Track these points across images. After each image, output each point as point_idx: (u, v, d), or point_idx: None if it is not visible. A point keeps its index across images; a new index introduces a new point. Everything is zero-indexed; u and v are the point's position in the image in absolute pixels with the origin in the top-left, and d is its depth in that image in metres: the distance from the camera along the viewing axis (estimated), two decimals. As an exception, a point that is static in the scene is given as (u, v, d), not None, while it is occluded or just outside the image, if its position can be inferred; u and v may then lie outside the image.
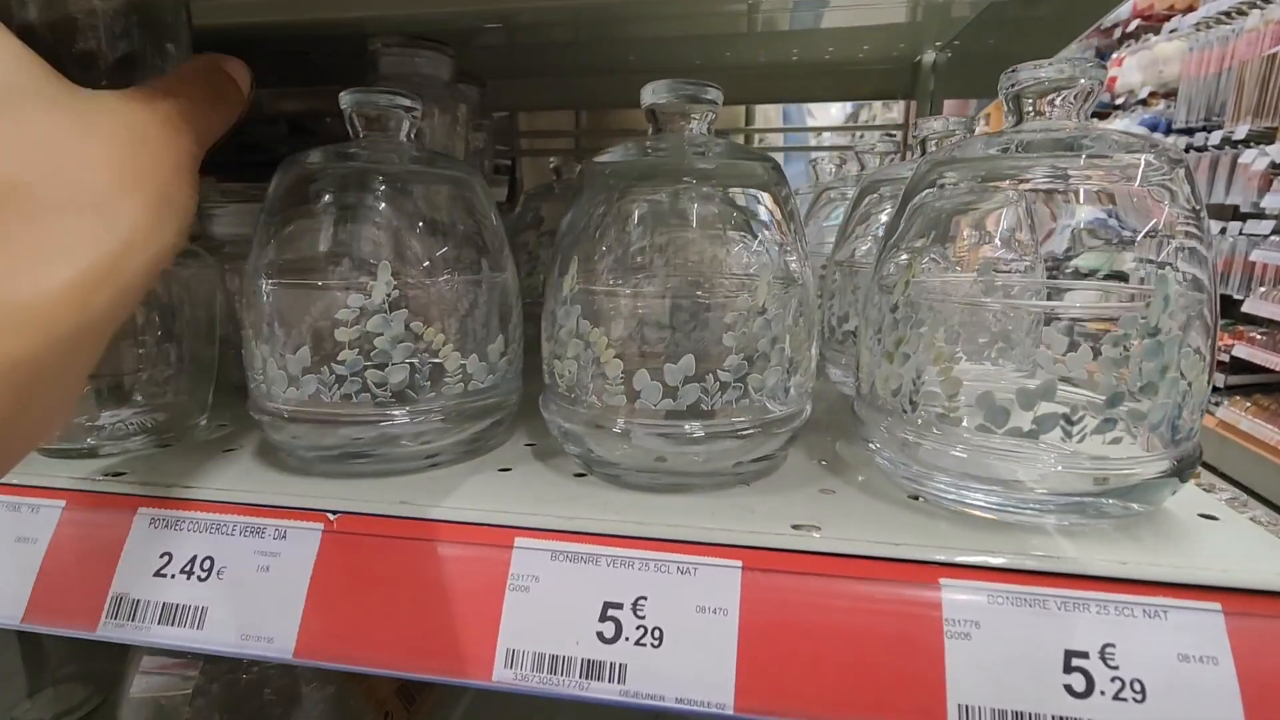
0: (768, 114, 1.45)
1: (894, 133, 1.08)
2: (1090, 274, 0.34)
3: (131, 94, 0.25)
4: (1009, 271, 0.38)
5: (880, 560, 0.30)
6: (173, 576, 0.34)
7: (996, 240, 0.38)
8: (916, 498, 0.35)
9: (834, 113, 2.54)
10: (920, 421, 0.33)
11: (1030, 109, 0.33)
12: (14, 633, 0.56)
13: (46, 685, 0.58)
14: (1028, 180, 0.33)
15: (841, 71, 0.95)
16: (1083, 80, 0.31)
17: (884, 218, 0.58)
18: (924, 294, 0.34)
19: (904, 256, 0.35)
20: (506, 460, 0.41)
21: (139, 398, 0.43)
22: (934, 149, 0.51)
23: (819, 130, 1.88)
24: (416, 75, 0.75)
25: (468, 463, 0.40)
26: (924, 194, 0.36)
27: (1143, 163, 0.30)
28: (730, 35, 0.92)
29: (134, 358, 0.43)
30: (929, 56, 0.89)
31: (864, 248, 0.58)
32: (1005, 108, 0.33)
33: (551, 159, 0.86)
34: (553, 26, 0.92)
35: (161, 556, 0.35)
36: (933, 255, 0.35)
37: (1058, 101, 0.33)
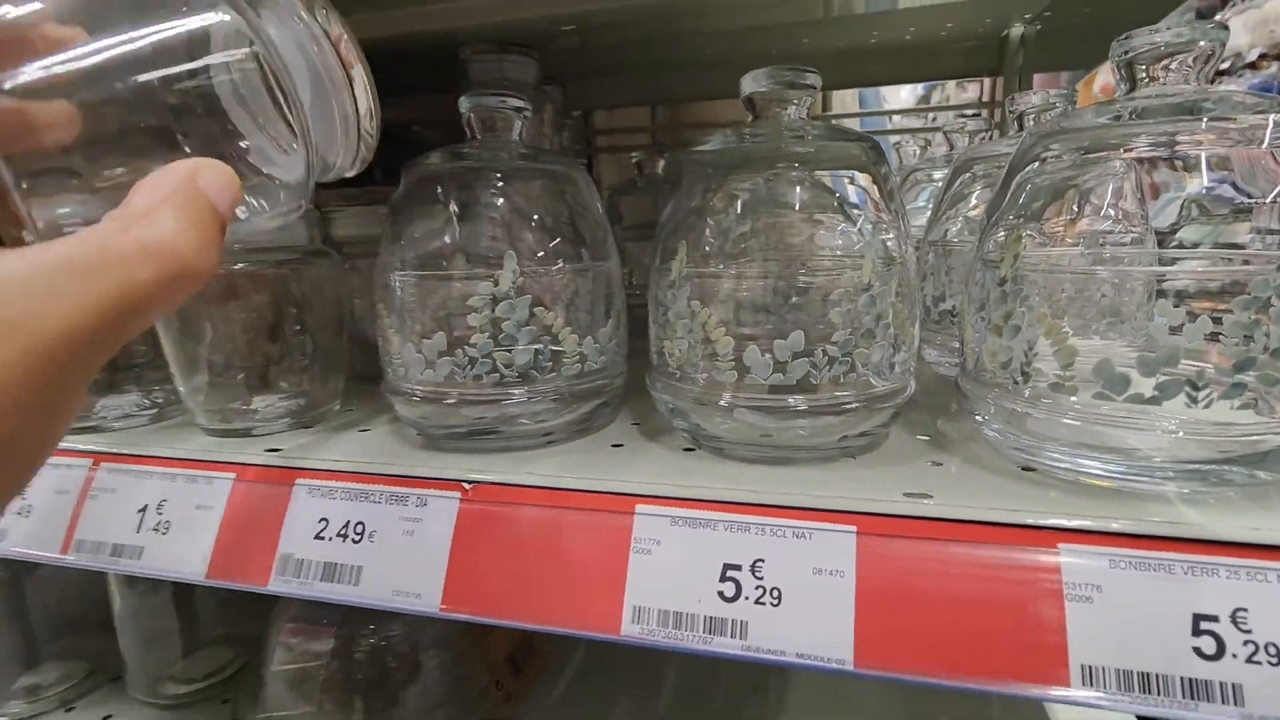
0: (844, 99, 1.43)
1: (977, 111, 1.05)
2: (1194, 246, 0.34)
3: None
4: (1119, 244, 0.38)
5: (996, 525, 0.31)
6: (330, 539, 0.38)
7: (1106, 211, 0.37)
8: (1029, 469, 0.35)
9: (904, 95, 2.46)
10: (1030, 393, 0.34)
11: (1144, 75, 0.32)
12: (171, 600, 0.62)
13: (198, 647, 0.64)
14: (1139, 148, 0.33)
15: (923, 51, 0.93)
16: (1203, 43, 0.31)
17: (975, 197, 0.57)
18: (1031, 267, 0.34)
19: (1009, 232, 0.35)
20: (616, 438, 0.43)
21: (283, 384, 0.48)
22: (1032, 123, 0.51)
23: (894, 114, 1.84)
24: (504, 79, 0.79)
25: (580, 440, 0.43)
26: (1030, 167, 0.36)
27: (1270, 123, 0.29)
28: (806, 22, 0.92)
29: (276, 350, 0.48)
30: (1017, 30, 0.86)
31: (956, 228, 0.57)
32: (1117, 75, 0.33)
33: (634, 154, 0.89)
34: (626, 25, 0.94)
35: (320, 521, 0.39)
36: (1040, 229, 0.35)
37: (1173, 66, 0.32)
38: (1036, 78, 0.89)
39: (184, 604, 0.62)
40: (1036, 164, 0.36)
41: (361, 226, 0.58)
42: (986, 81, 1.11)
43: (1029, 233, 0.35)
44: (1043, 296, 0.33)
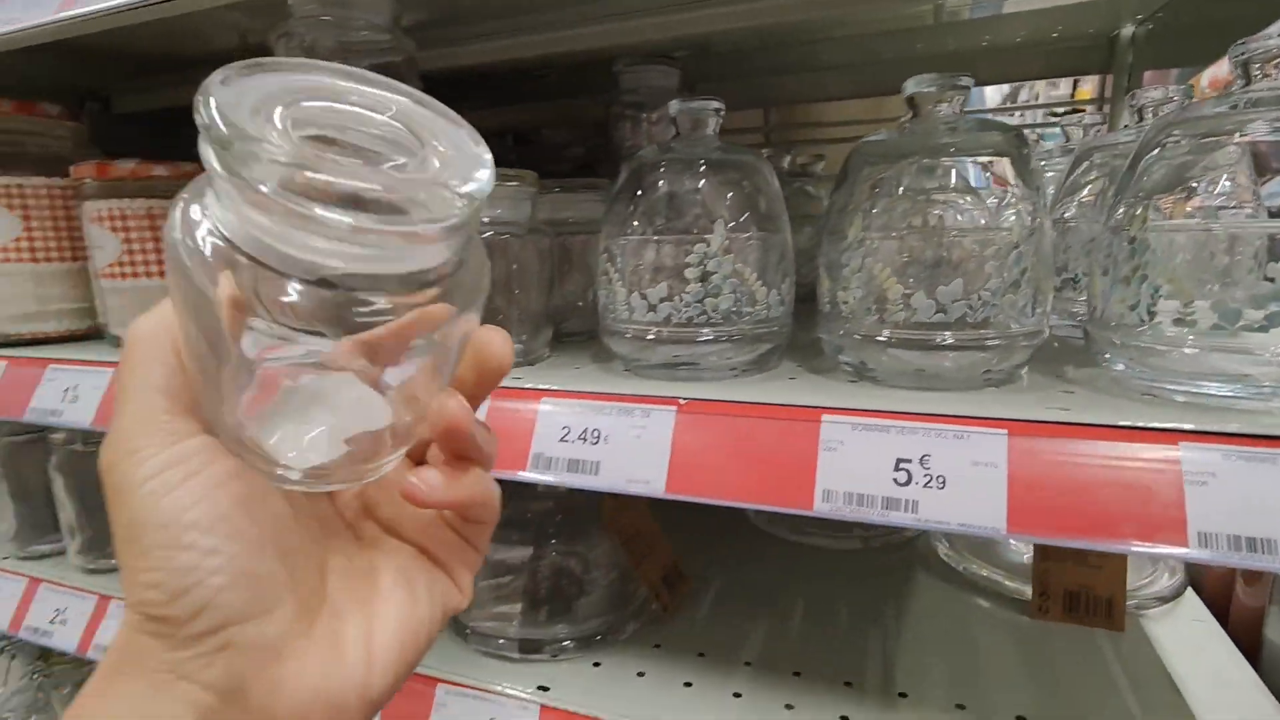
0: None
1: (1081, 109, 1.09)
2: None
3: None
4: (1234, 214, 0.45)
5: (1126, 428, 0.39)
6: (572, 442, 0.50)
7: (1221, 188, 0.45)
8: (1151, 394, 0.43)
9: (988, 93, 2.47)
10: (1152, 332, 0.41)
11: (1259, 72, 0.40)
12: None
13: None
14: (1254, 134, 0.40)
15: (1032, 52, 0.99)
16: (1309, 45, 0.38)
17: (1090, 186, 0.65)
18: (1156, 229, 0.42)
19: (1136, 203, 0.43)
20: (789, 374, 0.53)
21: (510, 334, 0.60)
22: (1151, 116, 0.58)
23: (991, 111, 1.86)
24: (649, 87, 0.91)
25: (758, 375, 0.53)
26: (1154, 152, 0.44)
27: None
28: (917, 29, 0.99)
29: (504, 305, 0.60)
30: (1127, 30, 0.91)
31: (1072, 211, 0.65)
32: (1235, 72, 0.40)
33: (764, 151, 0.98)
34: (744, 36, 1.03)
35: (562, 429, 0.50)
36: (1162, 202, 0.43)
37: (1285, 64, 0.39)
38: (1146, 74, 0.94)
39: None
40: (1159, 149, 0.44)
41: (556, 210, 0.70)
42: (1091, 81, 1.16)
43: (1154, 204, 0.42)
44: (1165, 252, 0.41)
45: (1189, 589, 0.73)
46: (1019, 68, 1.04)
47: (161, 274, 0.73)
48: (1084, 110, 0.79)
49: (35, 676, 0.97)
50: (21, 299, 0.76)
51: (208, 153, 0.18)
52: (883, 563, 0.82)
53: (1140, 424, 0.39)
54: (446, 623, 0.29)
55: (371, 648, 0.25)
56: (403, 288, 0.20)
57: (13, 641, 1.00)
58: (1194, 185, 0.43)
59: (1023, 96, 2.56)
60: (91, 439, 0.83)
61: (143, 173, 0.69)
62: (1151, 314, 0.41)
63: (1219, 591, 0.79)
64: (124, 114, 1.08)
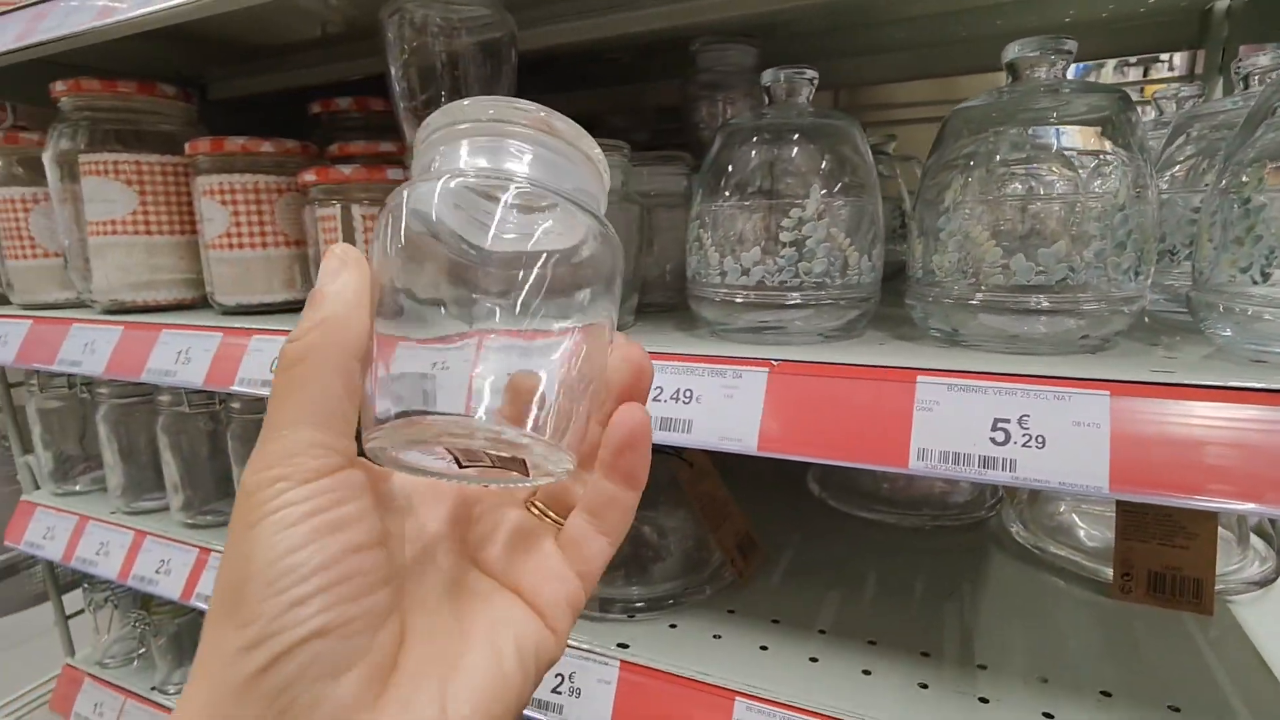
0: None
1: (1176, 84, 1.05)
2: None
3: None
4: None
5: (1234, 389, 0.38)
6: (665, 401, 0.52)
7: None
8: (1259, 361, 0.42)
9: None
10: (1263, 294, 0.41)
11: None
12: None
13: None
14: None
15: (1119, 27, 0.96)
16: None
17: (1182, 160, 0.63)
18: (1273, 191, 0.41)
19: (1252, 164, 0.42)
20: (877, 340, 0.54)
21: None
22: (1257, 83, 0.56)
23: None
24: (727, 65, 0.91)
25: (845, 341, 0.54)
26: (1274, 115, 0.43)
27: None
28: (998, 5, 0.98)
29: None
30: (1222, 3, 0.88)
31: (1166, 184, 0.63)
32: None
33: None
34: (814, 15, 1.03)
35: (655, 388, 0.52)
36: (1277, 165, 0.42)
37: None
38: (1243, 49, 0.90)
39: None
40: (1277, 113, 0.43)
41: (644, 183, 0.71)
42: (1181, 56, 1.11)
43: (1270, 166, 0.42)
44: (1282, 213, 0.40)
45: (1282, 575, 0.70)
46: (1106, 44, 1.01)
47: (265, 244, 0.78)
48: (1178, 84, 0.77)
49: (136, 625, 1.04)
50: (136, 268, 0.82)
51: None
52: (954, 541, 0.82)
53: (1248, 386, 0.38)
54: (540, 681, 0.26)
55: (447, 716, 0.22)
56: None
57: (116, 591, 1.08)
58: (1313, 147, 0.42)
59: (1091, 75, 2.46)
60: (196, 401, 0.89)
61: (252, 148, 0.73)
62: (1265, 275, 0.40)
63: (1315, 579, 0.76)
64: (218, 99, 1.14)
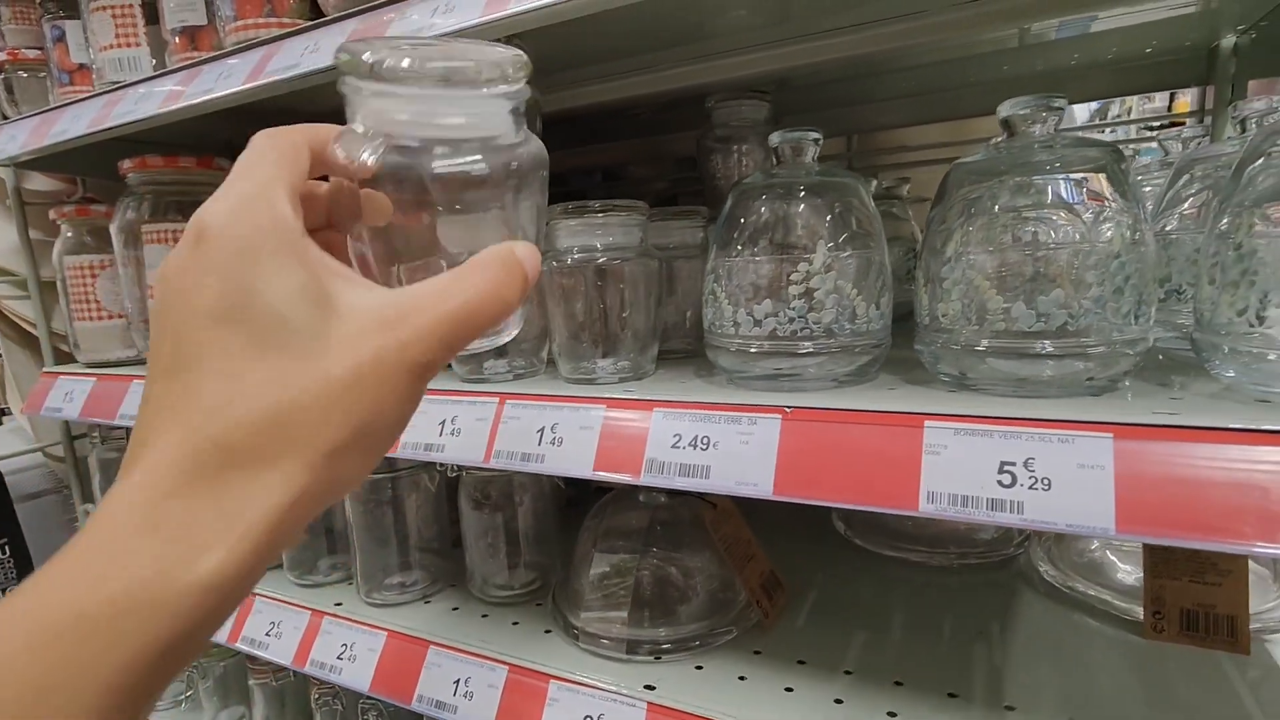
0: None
1: (1164, 124, 1.06)
2: None
3: (386, 309, 0.24)
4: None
5: (1237, 430, 0.39)
6: (683, 448, 0.54)
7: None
8: (1264, 400, 0.43)
9: (1076, 110, 2.41)
10: (1262, 337, 0.42)
11: (1364, 80, 0.40)
12: (503, 529, 0.82)
13: (516, 566, 0.84)
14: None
15: (1125, 67, 0.98)
16: None
17: (1192, 198, 0.64)
18: (1263, 235, 0.42)
19: (1243, 209, 0.44)
20: (888, 385, 0.56)
21: (620, 350, 0.66)
22: (1254, 127, 0.57)
23: (1081, 129, 1.82)
24: (740, 119, 0.95)
25: (857, 387, 0.56)
26: (1258, 162, 0.45)
27: None
28: (1004, 51, 1.01)
29: (613, 325, 0.66)
30: (1228, 41, 0.90)
31: (1174, 224, 0.65)
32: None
33: (848, 176, 1.01)
34: (826, 67, 1.07)
35: (674, 436, 0.55)
36: (1272, 209, 0.44)
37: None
38: (1252, 84, 0.91)
39: (511, 531, 0.82)
40: (1265, 158, 0.45)
41: (653, 236, 0.75)
42: (1191, 92, 1.13)
43: (1261, 210, 0.43)
44: (1274, 256, 0.42)
45: (1322, 613, 0.69)
46: (1112, 84, 1.03)
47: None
48: (1183, 124, 0.79)
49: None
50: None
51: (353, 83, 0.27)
52: (981, 580, 0.81)
53: (1253, 426, 0.39)
54: None
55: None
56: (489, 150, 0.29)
57: (166, 635, 1.12)
58: (1302, 192, 0.43)
59: (1113, 111, 2.48)
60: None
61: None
62: (1261, 318, 0.42)
63: (1358, 617, 0.74)
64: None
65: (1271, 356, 0.42)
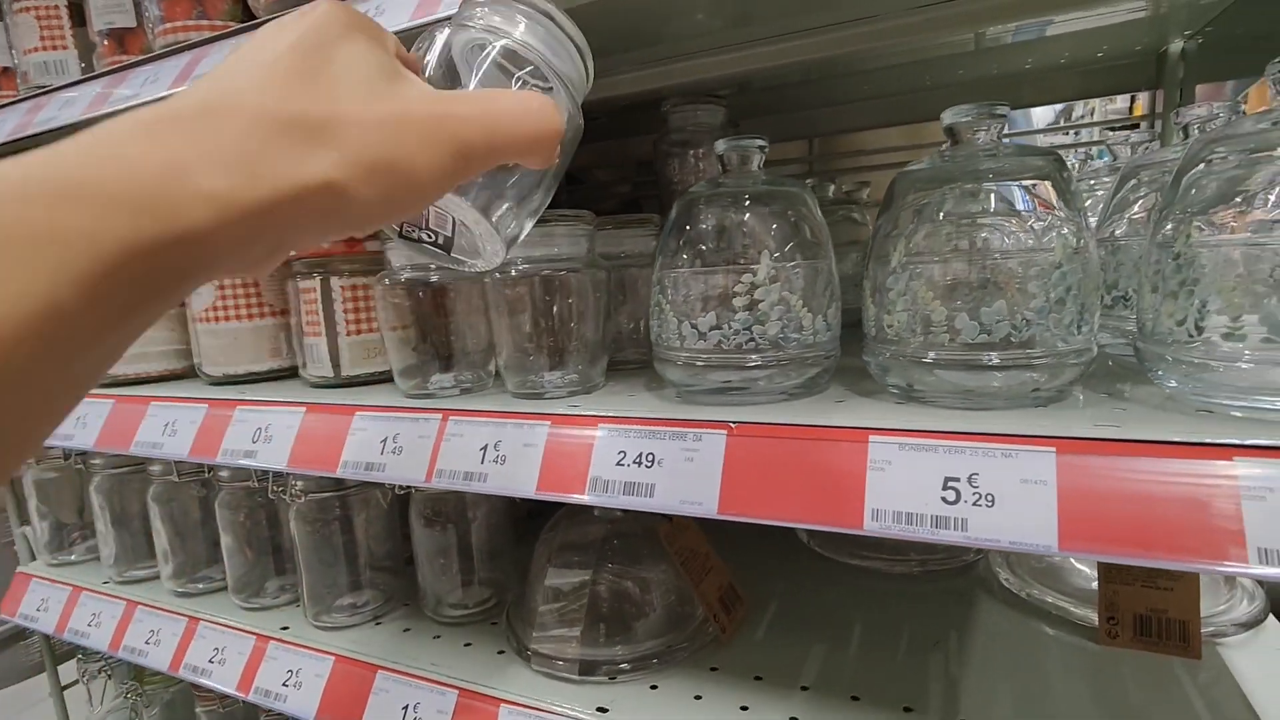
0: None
1: (1132, 124, 1.08)
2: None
3: (444, 93, 0.29)
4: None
5: (1178, 444, 0.39)
6: (628, 465, 0.52)
7: (1272, 200, 0.44)
8: (1206, 410, 0.43)
9: (1037, 112, 2.44)
10: (1203, 347, 0.41)
11: (1298, 89, 0.40)
12: (456, 546, 0.80)
13: (470, 584, 0.81)
14: (1299, 147, 0.40)
15: (1078, 71, 0.99)
16: (1348, 60, 0.38)
17: (1140, 202, 0.64)
18: (1202, 243, 0.42)
19: (1181, 217, 0.43)
20: (837, 397, 0.55)
21: (569, 363, 0.64)
22: (1197, 132, 0.57)
23: (1040, 132, 1.84)
24: (696, 124, 0.94)
25: (807, 399, 0.55)
26: (1197, 169, 0.44)
27: None
28: (960, 55, 1.01)
29: (563, 336, 0.64)
30: (1176, 46, 0.90)
31: (1123, 229, 0.64)
32: (1272, 89, 0.41)
33: (807, 181, 1.00)
34: (786, 71, 1.06)
35: (619, 453, 0.53)
36: (1210, 219, 0.43)
37: (1325, 79, 0.40)
38: (1199, 88, 0.92)
39: (464, 548, 0.80)
40: (1203, 165, 0.44)
41: (607, 245, 0.73)
42: (1145, 95, 1.14)
43: (1200, 218, 0.43)
44: (1213, 266, 0.41)
45: (1270, 615, 0.69)
46: (1065, 88, 1.04)
47: (251, 316, 0.80)
48: (1136, 127, 0.79)
49: (129, 696, 1.04)
50: (127, 342, 0.84)
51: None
52: (942, 587, 0.81)
53: (1193, 439, 0.39)
54: None
55: None
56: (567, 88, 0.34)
57: (109, 661, 1.08)
58: (1238, 200, 0.43)
59: (1078, 113, 2.52)
60: (186, 470, 0.90)
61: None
62: (1200, 329, 0.41)
63: (1306, 618, 0.75)
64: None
65: (1215, 364, 0.41)
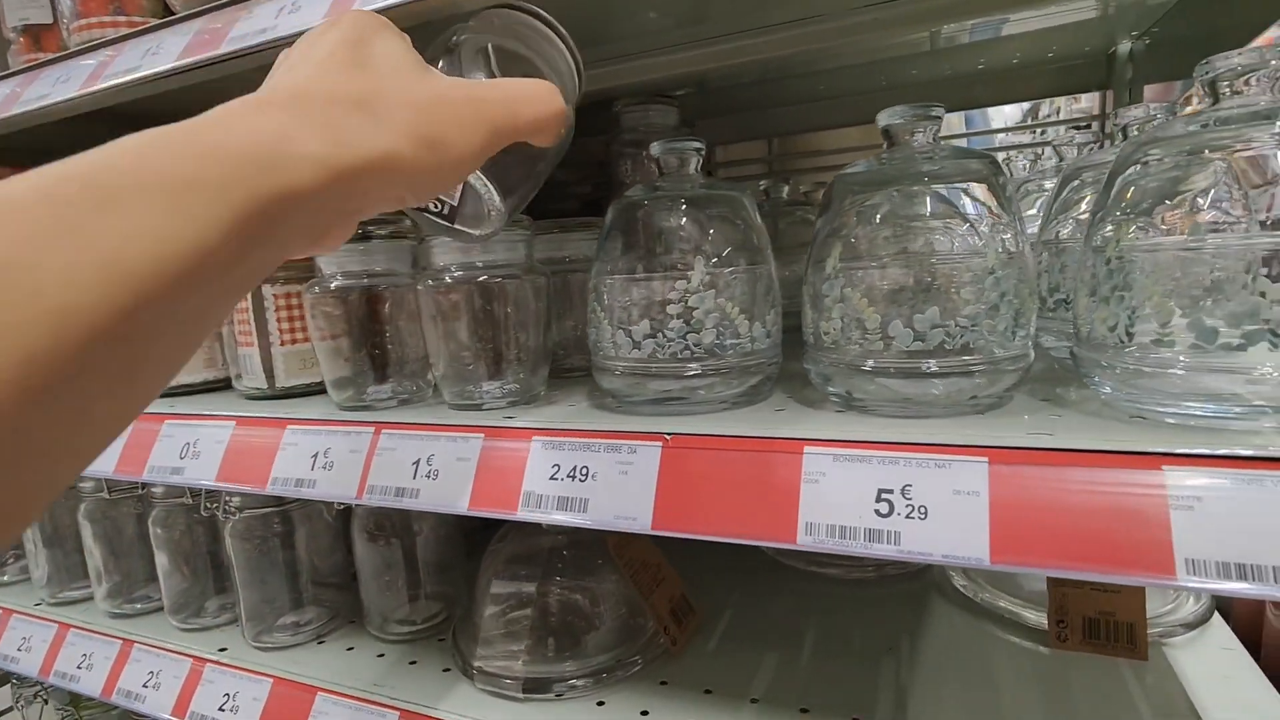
0: (949, 120, 1.48)
1: (1087, 124, 1.09)
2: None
3: (470, 81, 0.34)
4: (1220, 230, 0.44)
5: (1109, 453, 0.38)
6: (562, 479, 0.50)
7: (1204, 204, 0.44)
8: (1139, 417, 0.42)
9: (1007, 111, 2.46)
10: (1137, 352, 0.41)
11: (1227, 90, 0.40)
12: (401, 561, 0.77)
13: (417, 599, 0.79)
14: (1230, 148, 0.40)
15: (1030, 72, 0.99)
16: (1274, 62, 0.38)
17: (1085, 203, 0.64)
18: (1133, 248, 0.41)
19: (1114, 221, 0.43)
20: (777, 406, 0.53)
21: (508, 373, 0.62)
22: (1135, 134, 0.57)
23: (1000, 131, 1.86)
24: (648, 124, 0.93)
25: (747, 408, 0.53)
26: (1129, 171, 0.44)
27: (1334, 123, 0.36)
28: (914, 55, 1.00)
29: (501, 345, 0.62)
30: (1125, 46, 0.91)
31: (1067, 230, 0.64)
32: (1201, 91, 0.40)
33: (761, 182, 0.99)
34: (742, 70, 1.05)
35: (553, 466, 0.51)
36: (1142, 223, 0.43)
37: (1253, 81, 0.39)
38: (1148, 88, 0.93)
39: (410, 562, 0.77)
40: (1137, 166, 0.44)
41: (547, 250, 0.71)
42: (1094, 95, 1.15)
43: (1132, 226, 0.42)
44: (1144, 271, 0.40)
45: (1216, 615, 0.70)
46: (1018, 89, 1.04)
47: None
48: (1077, 129, 0.79)
49: (67, 720, 0.99)
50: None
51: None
52: (896, 593, 0.80)
53: (1121, 448, 0.38)
54: None
55: None
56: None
57: (45, 686, 1.03)
58: (1169, 204, 0.42)
59: (1044, 112, 2.54)
60: (118, 487, 0.86)
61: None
62: (1130, 335, 0.40)
63: (1249, 618, 0.75)
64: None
65: (1148, 369, 0.41)
